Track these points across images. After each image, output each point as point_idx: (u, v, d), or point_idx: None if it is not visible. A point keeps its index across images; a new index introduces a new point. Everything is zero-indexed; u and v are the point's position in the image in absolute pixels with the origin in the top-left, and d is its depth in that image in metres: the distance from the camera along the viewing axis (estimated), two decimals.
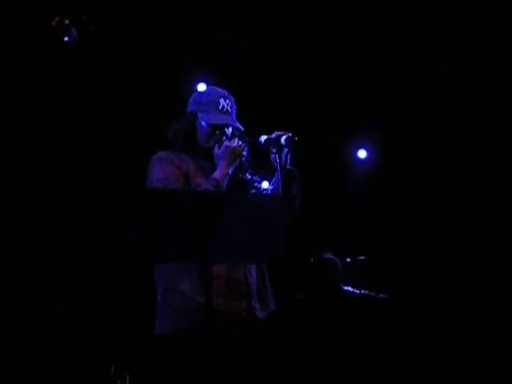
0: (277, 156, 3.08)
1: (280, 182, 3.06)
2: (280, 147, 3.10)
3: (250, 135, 3.29)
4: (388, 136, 6.58)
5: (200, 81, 6.32)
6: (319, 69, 6.20)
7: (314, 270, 4.94)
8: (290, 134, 3.13)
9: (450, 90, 6.09)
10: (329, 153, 6.48)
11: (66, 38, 4.77)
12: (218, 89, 3.34)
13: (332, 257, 4.99)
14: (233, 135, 3.24)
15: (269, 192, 3.19)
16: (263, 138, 3.20)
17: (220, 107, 3.23)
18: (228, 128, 3.24)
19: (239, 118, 3.34)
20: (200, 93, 3.42)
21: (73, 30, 4.88)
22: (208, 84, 6.29)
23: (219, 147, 3.15)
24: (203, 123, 3.22)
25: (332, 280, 4.89)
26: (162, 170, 3.03)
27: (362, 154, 7.00)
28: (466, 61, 5.87)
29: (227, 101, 3.25)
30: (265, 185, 7.18)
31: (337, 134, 6.58)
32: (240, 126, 3.28)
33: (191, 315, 2.88)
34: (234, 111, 3.29)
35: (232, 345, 2.92)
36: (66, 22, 4.64)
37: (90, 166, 5.83)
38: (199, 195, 2.68)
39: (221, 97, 3.26)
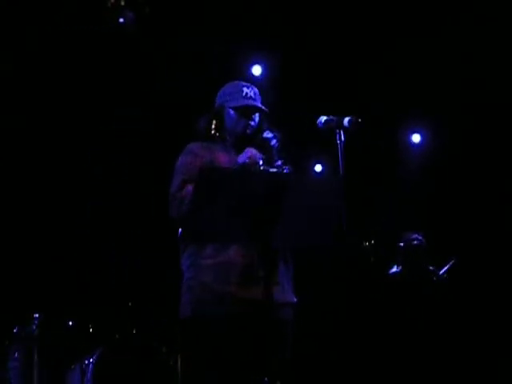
0: (340, 136, 3.10)
1: (342, 162, 3.06)
2: (342, 129, 3.10)
3: (277, 129, 3.36)
4: (442, 120, 6.52)
5: (255, 63, 6.38)
6: (369, 57, 6.16)
7: (404, 249, 5.18)
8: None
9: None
10: (383, 137, 6.45)
11: (122, 20, 4.78)
12: (241, 82, 3.47)
13: (420, 237, 5.20)
14: (259, 129, 3.34)
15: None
16: (323, 118, 3.18)
17: (244, 94, 3.35)
18: (255, 114, 3.32)
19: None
20: (224, 87, 3.48)
21: (129, 11, 4.88)
22: (262, 67, 6.37)
23: (246, 133, 3.28)
24: (231, 111, 3.32)
25: (419, 259, 5.15)
26: (182, 160, 3.25)
27: (416, 138, 6.98)
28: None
29: (250, 89, 3.38)
30: (318, 168, 7.18)
31: (390, 119, 6.54)
32: (265, 109, 3.35)
33: (209, 302, 3.04)
34: (258, 98, 3.38)
35: (247, 328, 3.00)
36: (122, 3, 4.64)
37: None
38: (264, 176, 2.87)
39: (243, 86, 3.39)
